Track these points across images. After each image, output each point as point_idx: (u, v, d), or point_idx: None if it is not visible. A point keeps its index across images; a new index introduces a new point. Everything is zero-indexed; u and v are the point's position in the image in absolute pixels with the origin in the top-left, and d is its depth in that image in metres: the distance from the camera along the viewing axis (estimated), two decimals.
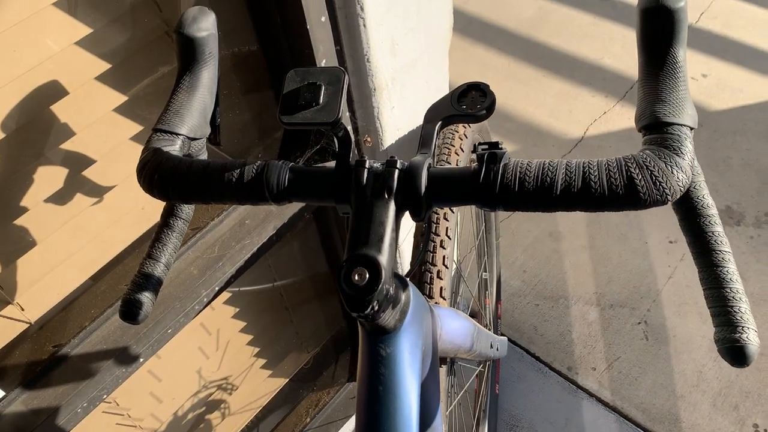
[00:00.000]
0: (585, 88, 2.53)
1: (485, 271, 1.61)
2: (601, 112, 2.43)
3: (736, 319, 0.59)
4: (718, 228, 0.61)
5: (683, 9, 0.60)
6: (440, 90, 1.23)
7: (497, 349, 1.08)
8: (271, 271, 1.41)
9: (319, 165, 0.65)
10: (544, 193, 0.56)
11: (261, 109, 1.12)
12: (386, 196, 0.60)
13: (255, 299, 1.40)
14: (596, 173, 0.56)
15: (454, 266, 1.01)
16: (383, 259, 0.56)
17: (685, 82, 0.62)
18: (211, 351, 1.34)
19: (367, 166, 0.61)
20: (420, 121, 1.23)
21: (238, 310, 1.34)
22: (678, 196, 0.56)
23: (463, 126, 1.04)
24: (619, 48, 2.65)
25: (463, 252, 1.90)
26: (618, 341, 1.82)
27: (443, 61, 1.20)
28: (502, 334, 1.85)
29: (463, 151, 0.98)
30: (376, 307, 0.57)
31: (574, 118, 2.43)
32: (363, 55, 1.01)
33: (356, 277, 0.55)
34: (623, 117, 2.40)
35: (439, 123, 0.67)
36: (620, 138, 2.33)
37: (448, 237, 0.91)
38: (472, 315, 1.62)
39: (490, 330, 1.62)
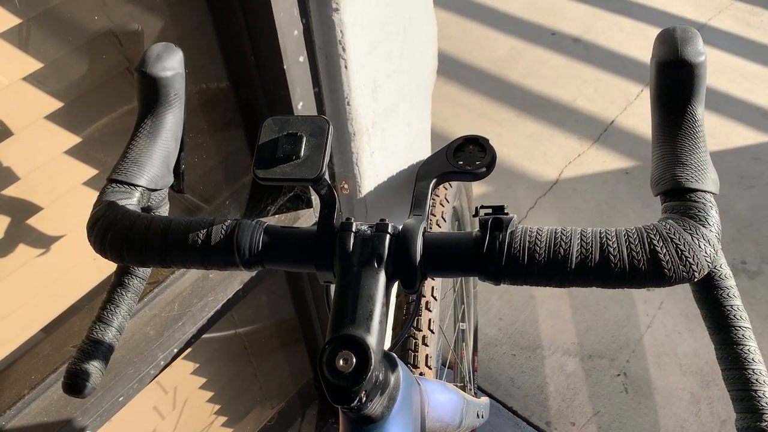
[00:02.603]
0: (559, 129, 2.51)
1: (462, 321, 1.54)
2: (576, 154, 2.41)
3: (761, 405, 0.52)
4: (737, 301, 0.55)
5: (703, 64, 0.55)
6: (423, 134, 1.17)
7: (482, 417, 1.00)
8: (234, 321, 1.32)
9: (298, 227, 0.57)
10: (557, 266, 0.49)
11: (230, 152, 1.04)
12: (376, 265, 0.52)
13: (216, 352, 1.29)
14: (615, 244, 0.49)
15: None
16: (372, 340, 0.48)
17: (705, 143, 0.56)
18: (167, 410, 1.23)
19: (354, 229, 0.54)
20: (401, 167, 1.16)
21: (197, 365, 1.24)
22: (705, 273, 0.50)
23: (444, 188, 0.97)
24: (592, 91, 2.64)
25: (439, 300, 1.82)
26: (597, 394, 1.76)
27: (426, 105, 1.13)
28: (480, 387, 1.77)
29: (445, 220, 0.90)
30: (364, 399, 0.49)
31: (549, 160, 2.40)
32: (343, 98, 0.94)
33: (341, 363, 0.47)
34: (598, 160, 2.38)
35: (434, 181, 0.60)
36: (595, 181, 2.30)
37: (434, 298, 0.83)
38: (449, 367, 1.54)
39: (467, 384, 1.54)
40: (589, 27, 2.95)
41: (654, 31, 3.02)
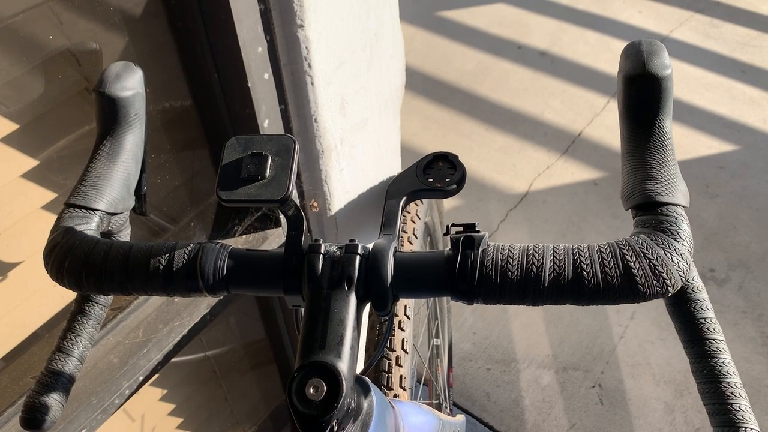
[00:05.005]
0: (528, 142, 2.52)
1: (436, 337, 1.52)
2: (545, 166, 2.42)
3: (737, 418, 0.51)
4: (710, 314, 0.55)
5: (670, 77, 0.56)
6: (392, 150, 1.16)
7: None
8: (203, 344, 1.28)
9: (265, 250, 0.55)
10: (530, 284, 0.49)
11: (194, 172, 1.02)
12: (346, 287, 0.50)
13: (185, 377, 1.26)
14: (588, 260, 0.49)
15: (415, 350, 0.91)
16: (344, 366, 0.47)
17: (674, 155, 0.56)
18: None
19: (322, 251, 0.52)
20: (371, 184, 1.15)
21: (165, 391, 1.20)
22: (679, 287, 0.50)
23: (415, 204, 0.96)
24: (559, 103, 2.67)
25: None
26: (573, 406, 1.75)
27: (395, 120, 1.12)
28: (455, 404, 1.76)
29: (417, 237, 0.88)
30: (336, 427, 0.47)
31: (518, 173, 2.41)
32: (310, 115, 0.93)
33: (311, 391, 0.45)
34: (567, 172, 2.39)
35: (404, 199, 0.59)
36: (565, 193, 2.32)
37: (407, 317, 0.82)
38: (424, 384, 1.52)
39: (443, 401, 1.52)
40: (555, 40, 2.99)
41: (618, 44, 3.09)
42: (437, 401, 1.48)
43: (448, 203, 2.32)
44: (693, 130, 2.51)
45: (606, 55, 2.89)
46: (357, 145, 1.05)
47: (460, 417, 1.15)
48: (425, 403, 1.02)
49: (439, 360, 1.55)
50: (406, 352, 0.80)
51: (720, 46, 2.89)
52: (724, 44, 2.90)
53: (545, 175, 2.39)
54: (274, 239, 1.04)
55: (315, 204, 1.06)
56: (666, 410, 1.73)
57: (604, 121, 2.57)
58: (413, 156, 2.34)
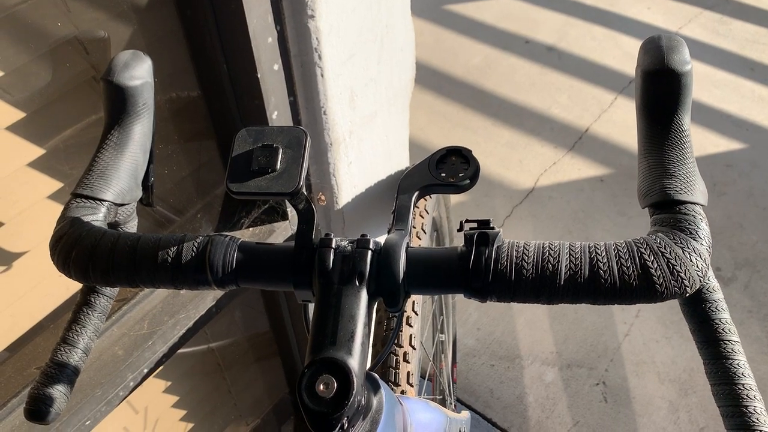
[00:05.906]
0: (534, 137, 2.51)
1: (441, 333, 1.52)
2: (551, 162, 2.41)
3: (752, 421, 0.50)
4: (725, 314, 0.54)
5: (690, 73, 0.54)
6: (401, 144, 1.14)
7: None
8: (207, 337, 1.28)
9: (274, 243, 0.54)
10: (546, 282, 0.48)
11: (201, 164, 1.01)
12: (357, 282, 0.49)
13: (189, 369, 1.25)
14: (605, 259, 0.47)
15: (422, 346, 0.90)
16: (354, 363, 0.46)
17: (692, 153, 0.55)
18: (137, 431, 1.18)
19: (333, 245, 0.51)
20: (379, 178, 1.14)
21: (169, 383, 1.20)
22: (697, 288, 0.49)
23: (423, 198, 0.94)
24: (566, 98, 2.65)
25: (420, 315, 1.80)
26: (577, 404, 1.74)
27: (404, 114, 1.11)
28: (459, 400, 1.75)
29: (425, 232, 0.87)
30: (346, 425, 0.46)
31: (525, 168, 2.40)
32: (319, 108, 0.92)
33: (322, 388, 0.44)
34: (573, 168, 2.38)
35: (416, 194, 0.58)
36: (571, 189, 2.30)
37: (415, 312, 0.81)
38: (428, 380, 1.52)
39: (447, 396, 1.52)
40: (563, 35, 2.97)
41: (626, 40, 3.06)
42: (441, 397, 1.48)
43: (454, 198, 2.31)
44: (701, 128, 2.50)
45: (614, 51, 2.87)
46: (366, 138, 1.04)
47: (466, 414, 1.14)
48: (429, 399, 1.02)
49: (443, 355, 1.55)
50: (414, 348, 0.79)
51: (729, 44, 2.87)
52: (733, 41, 2.88)
53: (551, 171, 2.38)
54: (281, 232, 1.03)
55: (322, 197, 1.05)
56: (670, 409, 1.73)
57: (611, 117, 2.56)
58: (419, 150, 2.33)
